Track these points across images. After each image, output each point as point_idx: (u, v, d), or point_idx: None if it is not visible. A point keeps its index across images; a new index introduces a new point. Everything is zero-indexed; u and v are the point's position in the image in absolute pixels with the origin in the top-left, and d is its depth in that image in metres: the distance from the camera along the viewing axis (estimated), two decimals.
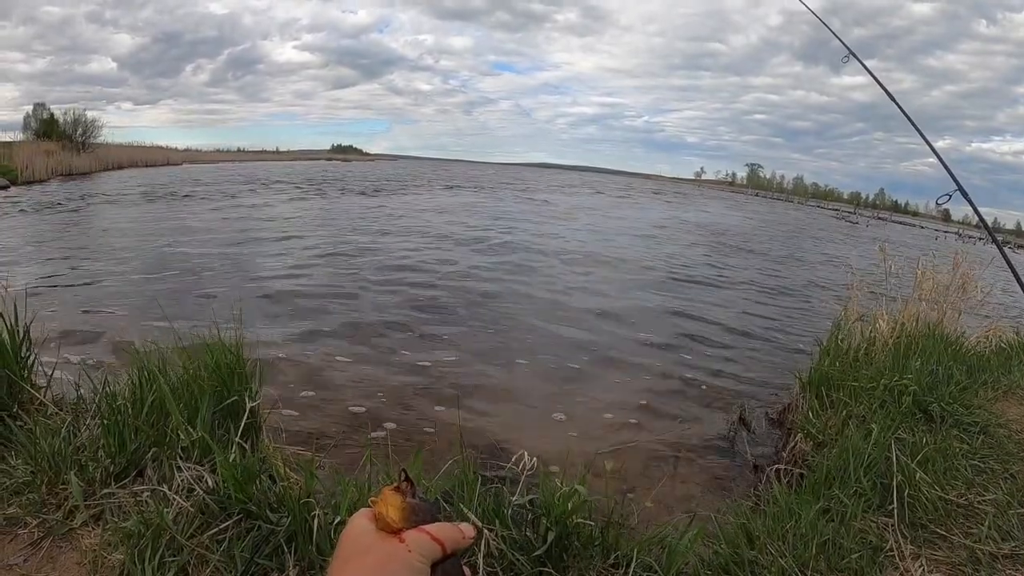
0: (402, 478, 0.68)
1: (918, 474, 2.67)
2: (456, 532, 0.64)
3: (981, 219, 3.68)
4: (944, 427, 3.37)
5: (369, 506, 0.67)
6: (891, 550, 2.17)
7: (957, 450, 3.02)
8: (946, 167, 3.63)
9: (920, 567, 2.08)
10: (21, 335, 3.07)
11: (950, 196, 3.55)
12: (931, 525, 2.40)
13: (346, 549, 0.62)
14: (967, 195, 3.53)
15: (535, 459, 2.47)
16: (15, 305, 3.08)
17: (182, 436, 2.49)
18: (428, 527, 0.63)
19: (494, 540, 2.03)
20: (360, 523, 0.64)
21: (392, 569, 0.58)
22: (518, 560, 1.99)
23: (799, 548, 2.13)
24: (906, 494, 2.53)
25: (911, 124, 3.83)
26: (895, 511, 2.42)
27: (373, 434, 4.03)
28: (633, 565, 1.94)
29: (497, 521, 2.11)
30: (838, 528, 2.27)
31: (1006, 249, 3.71)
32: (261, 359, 3.50)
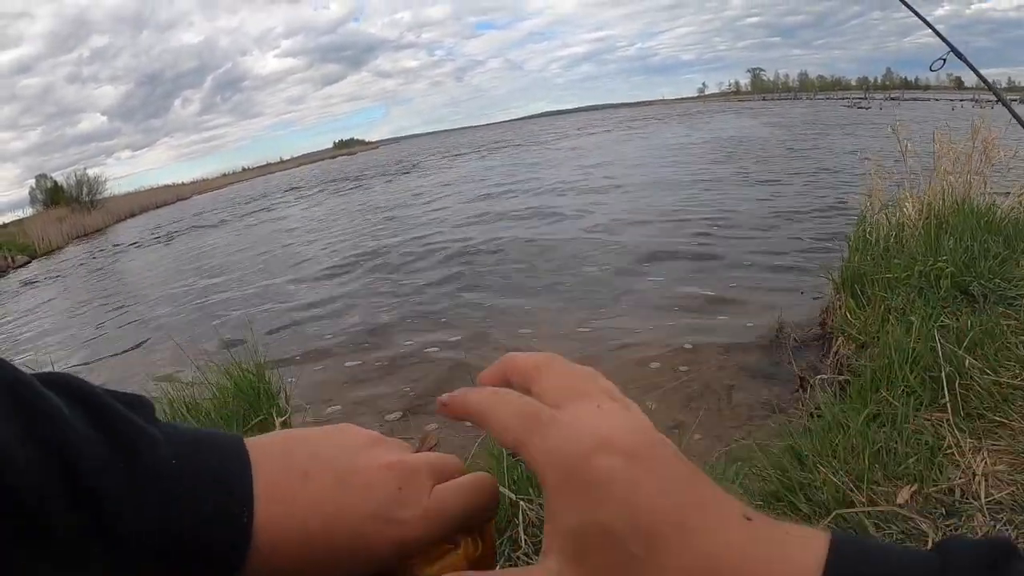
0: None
1: (967, 361, 2.56)
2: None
3: (980, 77, 3.50)
4: (988, 305, 3.22)
5: None
6: (949, 447, 2.08)
7: (1005, 328, 2.88)
8: (934, 30, 3.45)
9: (982, 460, 1.98)
10: None
11: (944, 60, 3.36)
12: (988, 413, 2.29)
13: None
14: (962, 55, 3.34)
15: None
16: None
17: None
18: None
19: (531, 510, 1.99)
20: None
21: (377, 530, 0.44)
22: None
23: (851, 461, 2.05)
24: (957, 384, 2.42)
25: None
26: (948, 405, 2.32)
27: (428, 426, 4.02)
28: None
29: (531, 489, 2.06)
30: (890, 433, 2.19)
31: (1015, 105, 3.52)
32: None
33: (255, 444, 0.44)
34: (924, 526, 1.77)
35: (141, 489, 0.37)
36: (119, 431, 0.37)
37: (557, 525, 0.34)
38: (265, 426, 2.76)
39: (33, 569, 0.34)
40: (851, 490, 1.91)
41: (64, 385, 0.38)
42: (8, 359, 0.38)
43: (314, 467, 0.43)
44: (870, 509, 1.84)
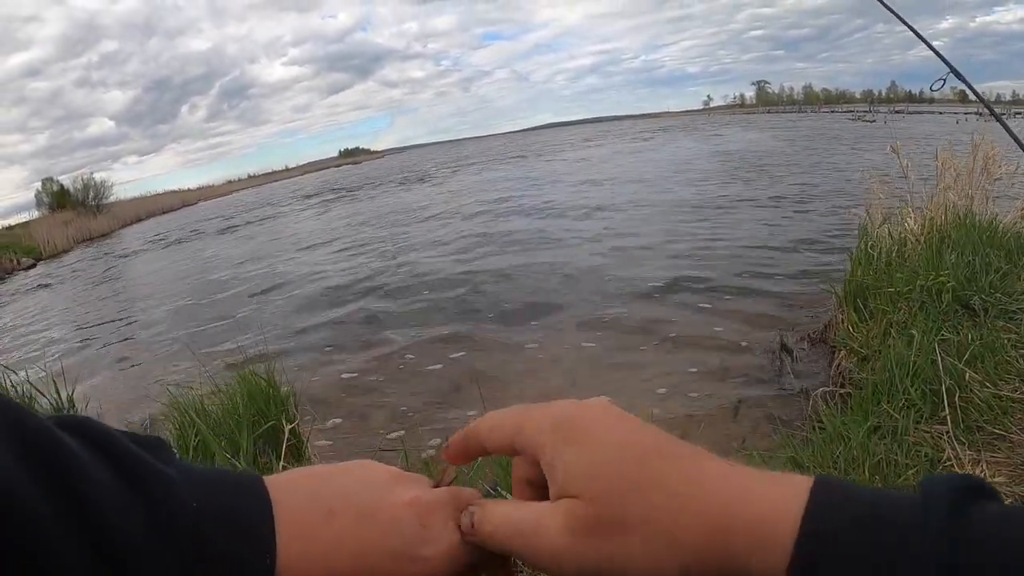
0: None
1: (967, 374, 2.59)
2: None
3: (979, 97, 3.55)
4: (989, 319, 3.26)
5: None
6: (948, 460, 2.11)
7: (1005, 341, 2.91)
8: (933, 50, 3.50)
9: (981, 472, 2.02)
10: (66, 405, 3.17)
11: (944, 81, 3.43)
12: (987, 426, 2.32)
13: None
14: (961, 76, 3.39)
15: None
16: (54, 380, 3.19)
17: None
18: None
19: None
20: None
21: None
22: None
23: (852, 473, 2.09)
24: (957, 397, 2.46)
25: (893, 14, 3.69)
26: (948, 417, 2.35)
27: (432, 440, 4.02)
28: None
29: None
30: (891, 445, 2.22)
31: (1018, 119, 3.58)
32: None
33: (276, 482, 0.43)
34: None
35: (160, 535, 0.36)
36: (137, 476, 0.37)
37: (559, 471, 0.41)
38: (275, 432, 2.79)
39: None
40: None
41: (80, 428, 0.37)
42: (26, 405, 0.39)
43: (338, 504, 0.43)
44: None
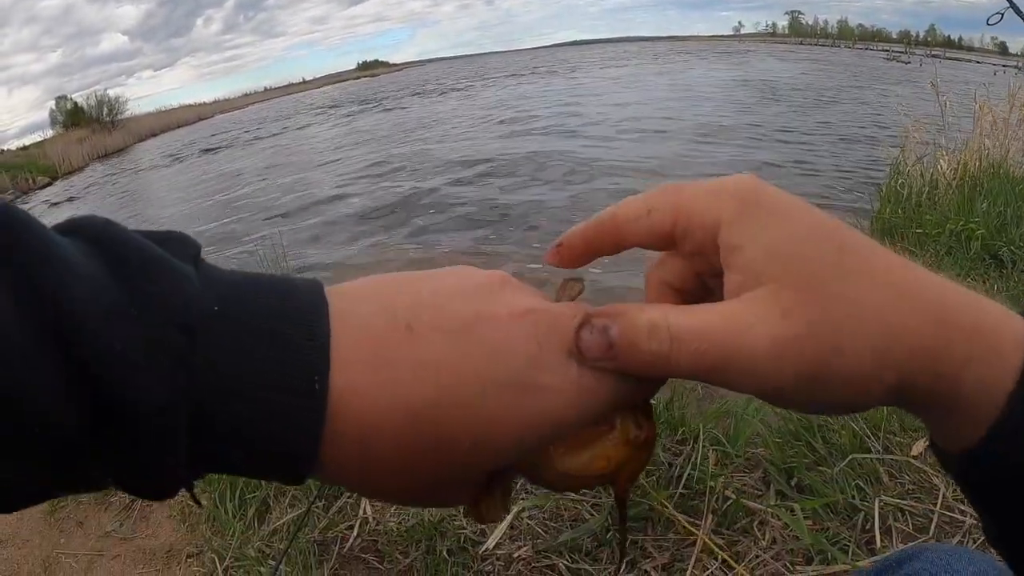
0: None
1: None
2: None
3: None
4: (1016, 272, 3.22)
5: None
6: None
7: None
8: None
9: None
10: None
11: (1002, 15, 3.18)
12: None
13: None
14: (1021, 12, 3.18)
15: None
16: None
17: None
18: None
19: None
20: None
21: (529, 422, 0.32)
22: None
23: (870, 411, 2.09)
24: None
25: None
26: None
27: None
28: (701, 440, 1.92)
29: None
30: None
31: None
32: None
33: (336, 289, 0.32)
34: (935, 480, 1.80)
35: (162, 348, 0.26)
36: (140, 273, 0.27)
37: (748, 251, 0.32)
38: None
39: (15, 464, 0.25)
40: (867, 437, 1.95)
41: (75, 225, 0.29)
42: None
43: (420, 317, 0.31)
44: (884, 457, 1.88)
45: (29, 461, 0.25)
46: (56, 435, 0.24)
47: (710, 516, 1.70)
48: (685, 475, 1.80)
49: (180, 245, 0.30)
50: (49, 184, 22.84)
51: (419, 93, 34.40)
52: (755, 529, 1.70)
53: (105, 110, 41.68)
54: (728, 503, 1.73)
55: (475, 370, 0.30)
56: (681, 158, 9.64)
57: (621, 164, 9.07)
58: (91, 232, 0.28)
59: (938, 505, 1.70)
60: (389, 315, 0.31)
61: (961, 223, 3.61)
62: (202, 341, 0.27)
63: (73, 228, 0.28)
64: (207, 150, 22.97)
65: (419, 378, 0.30)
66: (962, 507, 1.70)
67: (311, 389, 0.28)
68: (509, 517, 1.75)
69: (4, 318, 0.23)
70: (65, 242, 0.27)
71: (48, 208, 16.25)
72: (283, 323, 0.28)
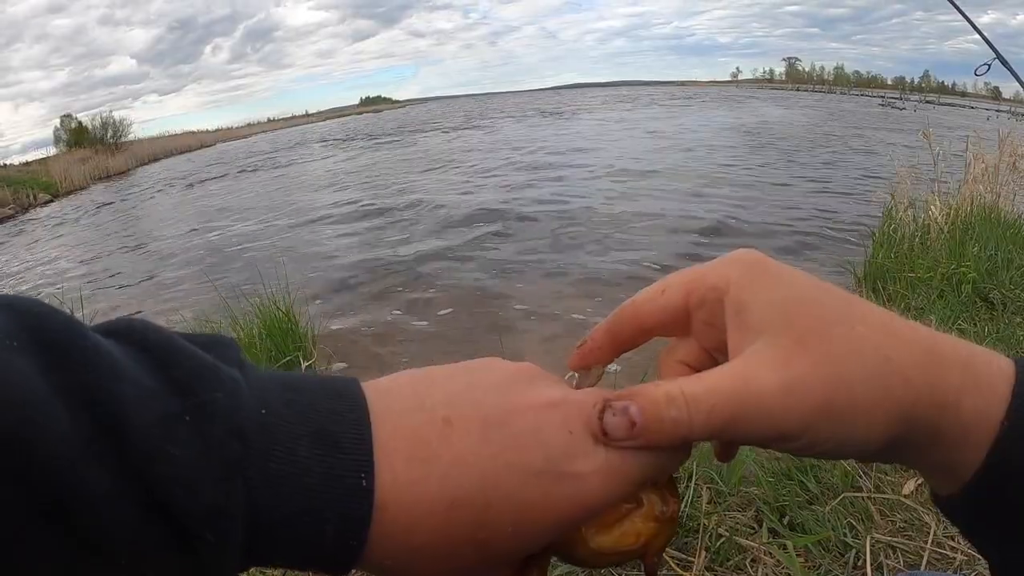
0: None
1: None
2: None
3: (1023, 86, 3.50)
4: (1007, 314, 3.27)
5: None
6: None
7: (1021, 337, 2.93)
8: (981, 34, 3.44)
9: None
10: None
11: (989, 66, 3.37)
12: None
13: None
14: (1007, 63, 3.33)
15: None
16: (71, 311, 3.21)
17: None
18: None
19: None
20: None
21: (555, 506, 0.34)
22: None
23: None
24: None
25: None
26: None
27: None
28: (695, 478, 1.94)
29: None
30: None
31: None
32: None
33: (373, 386, 0.34)
34: (927, 518, 1.82)
35: (214, 454, 0.27)
36: (189, 378, 0.28)
37: (754, 308, 0.35)
38: (290, 367, 2.83)
39: (66, 562, 0.26)
40: (859, 476, 1.97)
41: (125, 330, 0.30)
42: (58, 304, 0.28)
43: (457, 411, 0.33)
44: (876, 495, 1.90)
45: (83, 562, 0.26)
46: (110, 537, 0.25)
47: (703, 553, 1.72)
48: (679, 513, 1.81)
49: (225, 349, 0.32)
50: (50, 201, 22.93)
51: (421, 131, 34.77)
52: (748, 566, 1.71)
53: (109, 132, 42.00)
54: (721, 541, 1.75)
55: (512, 461, 0.32)
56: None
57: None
58: (138, 337, 0.29)
59: (929, 542, 1.72)
60: (427, 410, 0.33)
61: (953, 267, 3.67)
62: (253, 445, 0.28)
63: (117, 331, 0.30)
64: (203, 180, 23.17)
65: (459, 471, 0.31)
66: (952, 544, 1.72)
67: (359, 486, 0.30)
68: None
69: (59, 426, 0.24)
70: (114, 348, 0.28)
71: (53, 226, 16.34)
72: (327, 424, 0.30)
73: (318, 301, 5.91)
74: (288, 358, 2.85)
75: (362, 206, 11.60)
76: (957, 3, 3.73)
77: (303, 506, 0.29)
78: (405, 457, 0.31)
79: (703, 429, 0.33)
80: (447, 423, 0.32)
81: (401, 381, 0.35)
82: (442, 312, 5.48)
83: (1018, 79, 3.44)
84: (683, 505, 1.83)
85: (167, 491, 0.26)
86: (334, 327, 5.19)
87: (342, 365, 4.35)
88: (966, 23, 3.77)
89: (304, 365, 2.80)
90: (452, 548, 0.32)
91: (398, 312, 5.61)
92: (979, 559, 1.66)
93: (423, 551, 0.31)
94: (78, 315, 3.17)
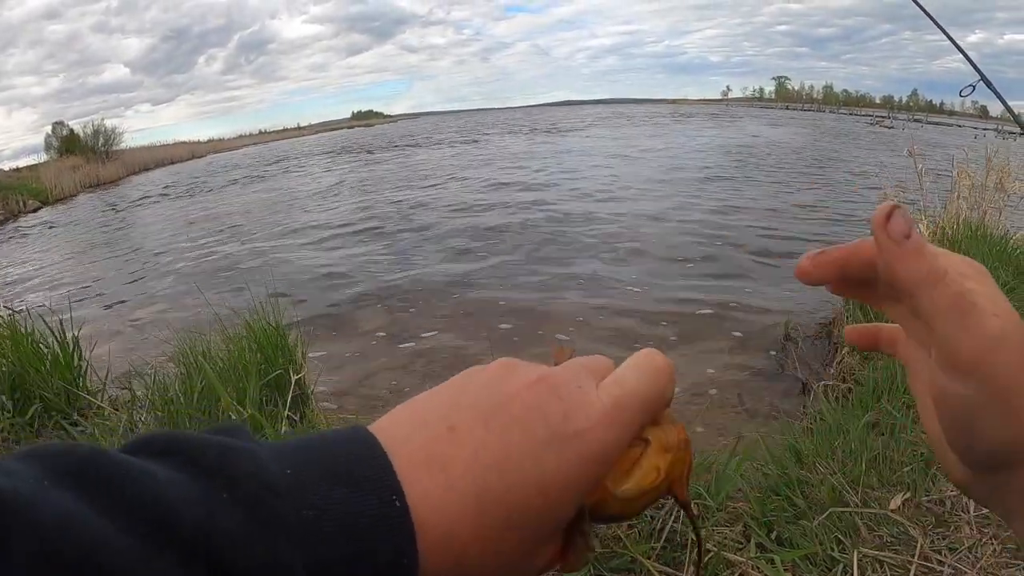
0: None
1: None
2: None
3: (1008, 108, 3.54)
4: None
5: None
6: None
7: None
8: (966, 57, 3.49)
9: None
10: (71, 346, 3.20)
11: (974, 87, 3.42)
12: None
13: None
14: (991, 85, 3.39)
15: None
16: (60, 320, 3.22)
17: (233, 416, 2.57)
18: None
19: None
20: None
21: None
22: None
23: (848, 464, 2.12)
24: None
25: (926, 14, 3.67)
26: None
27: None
28: None
29: None
30: (888, 442, 2.25)
31: None
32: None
33: (377, 425, 0.36)
34: (914, 532, 1.83)
35: (256, 515, 0.29)
36: (216, 463, 0.30)
37: (956, 351, 0.36)
38: (281, 380, 2.83)
39: None
40: (846, 491, 1.98)
41: (145, 444, 0.32)
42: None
43: (457, 418, 0.35)
44: (863, 511, 1.91)
45: None
46: None
47: (691, 569, 1.72)
48: (667, 528, 1.82)
49: (238, 431, 0.34)
50: (39, 208, 22.78)
51: (413, 145, 34.88)
52: None
53: (101, 140, 41.62)
54: (709, 556, 1.75)
55: (519, 440, 0.34)
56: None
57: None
58: (161, 445, 0.31)
59: (916, 556, 1.73)
60: (430, 427, 0.35)
61: None
62: (287, 499, 0.30)
63: (139, 447, 0.31)
64: (195, 190, 23.15)
65: (475, 464, 0.33)
66: (940, 557, 1.73)
67: (395, 509, 0.31)
68: None
69: (118, 544, 0.26)
70: (145, 462, 0.29)
71: (42, 234, 16.27)
72: (350, 466, 0.32)
73: (306, 314, 5.92)
74: (278, 371, 2.85)
75: (353, 221, 11.64)
76: (943, 26, 3.80)
77: (350, 543, 0.30)
78: (426, 471, 0.33)
79: (933, 300, 0.37)
80: (452, 430, 0.34)
81: (398, 415, 0.37)
82: (426, 334, 5.50)
83: (1002, 100, 3.49)
84: (671, 519, 1.83)
85: (230, 562, 0.27)
86: (323, 341, 5.20)
87: (332, 379, 4.36)
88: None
89: (294, 378, 2.79)
90: (494, 542, 0.33)
91: (384, 329, 5.63)
92: (966, 572, 1.67)
93: (469, 554, 0.33)
94: (67, 324, 3.16)
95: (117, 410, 2.94)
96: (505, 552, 0.34)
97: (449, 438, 0.34)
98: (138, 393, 3.06)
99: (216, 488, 0.29)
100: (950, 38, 3.62)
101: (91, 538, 0.25)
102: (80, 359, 3.24)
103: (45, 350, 3.12)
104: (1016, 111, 3.88)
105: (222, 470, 0.30)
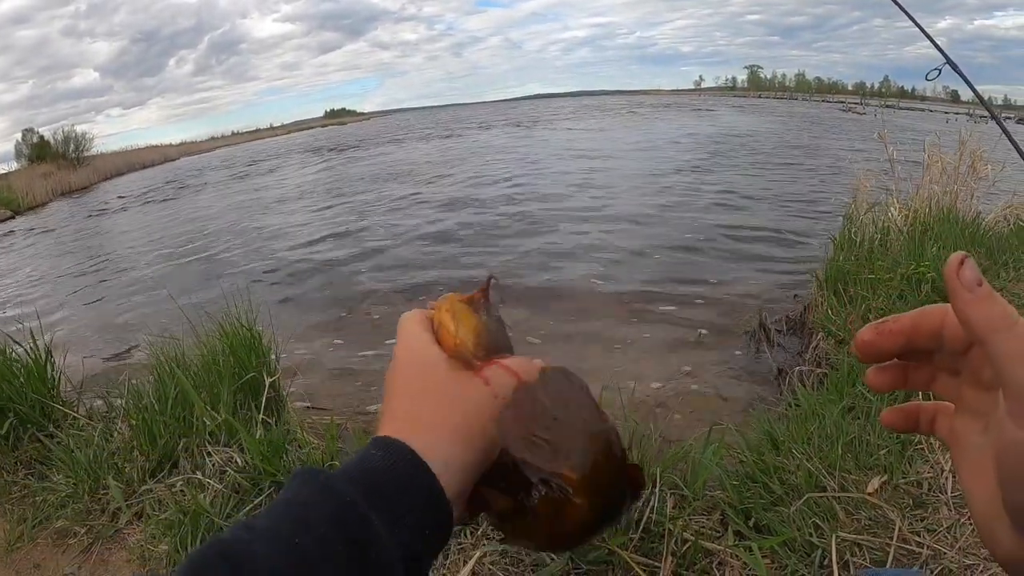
0: (485, 286, 0.57)
1: None
2: (533, 370, 0.52)
3: (974, 90, 3.55)
4: None
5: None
6: (919, 443, 2.16)
7: None
8: (931, 40, 3.51)
9: (949, 456, 2.06)
10: (44, 358, 3.14)
11: (939, 71, 3.44)
12: None
13: (412, 375, 0.53)
14: (957, 68, 3.41)
15: None
16: (31, 331, 3.16)
17: (208, 422, 2.54)
18: (506, 361, 0.53)
19: None
20: (422, 342, 0.54)
21: (482, 426, 0.49)
22: None
23: (825, 449, 2.13)
24: None
25: (895, 3, 3.68)
26: (920, 399, 2.39)
27: None
28: (659, 484, 1.94)
29: None
30: (864, 425, 2.26)
31: (1008, 123, 3.59)
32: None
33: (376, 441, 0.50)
34: (892, 515, 1.83)
35: (394, 516, 0.44)
36: (337, 510, 0.43)
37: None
38: (255, 383, 2.79)
39: None
40: (823, 476, 1.99)
41: (219, 546, 0.41)
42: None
43: (400, 398, 0.53)
44: (841, 495, 1.91)
45: None
46: None
47: (670, 558, 1.71)
48: (644, 519, 1.81)
49: (318, 473, 0.46)
50: (11, 218, 22.45)
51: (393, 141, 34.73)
52: (715, 569, 1.71)
53: (72, 146, 41.06)
54: (687, 545, 1.75)
55: (435, 388, 0.52)
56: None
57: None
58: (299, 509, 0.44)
59: (895, 539, 1.73)
60: (398, 420, 0.51)
61: (912, 267, 3.72)
62: (371, 502, 0.44)
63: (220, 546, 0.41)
64: (167, 194, 22.91)
65: (434, 411, 0.51)
66: (918, 539, 1.73)
67: (421, 467, 0.47)
68: (471, 563, 1.75)
69: None
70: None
71: (14, 243, 16.07)
72: (383, 460, 0.47)
73: (280, 315, 5.87)
74: (251, 374, 2.80)
75: (325, 222, 11.57)
76: (909, 11, 3.82)
77: (409, 511, 0.46)
78: (414, 438, 0.48)
79: (997, 343, 0.37)
80: (409, 410, 0.51)
81: (383, 431, 0.50)
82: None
83: (968, 83, 3.51)
84: (648, 510, 1.82)
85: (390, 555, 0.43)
86: (296, 342, 5.15)
87: (304, 380, 4.32)
88: (926, 28, 3.85)
89: (268, 381, 2.75)
90: (481, 451, 0.49)
91: (354, 331, 5.60)
92: (945, 553, 1.68)
93: (473, 466, 0.49)
94: (39, 334, 3.09)
95: (92, 420, 2.90)
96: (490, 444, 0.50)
97: (413, 416, 0.51)
98: (113, 402, 3.01)
99: (365, 511, 0.44)
100: (913, 20, 3.65)
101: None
102: (53, 370, 3.18)
103: (18, 363, 3.06)
104: (986, 95, 3.91)
105: (337, 495, 0.44)
